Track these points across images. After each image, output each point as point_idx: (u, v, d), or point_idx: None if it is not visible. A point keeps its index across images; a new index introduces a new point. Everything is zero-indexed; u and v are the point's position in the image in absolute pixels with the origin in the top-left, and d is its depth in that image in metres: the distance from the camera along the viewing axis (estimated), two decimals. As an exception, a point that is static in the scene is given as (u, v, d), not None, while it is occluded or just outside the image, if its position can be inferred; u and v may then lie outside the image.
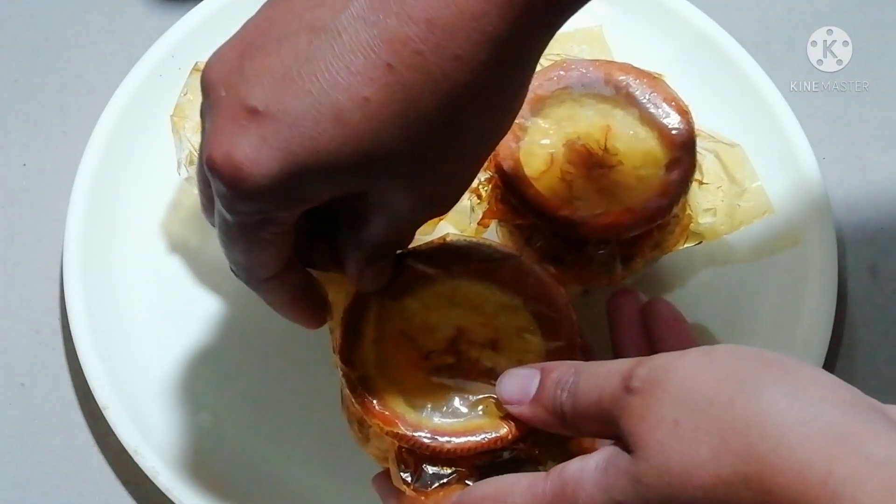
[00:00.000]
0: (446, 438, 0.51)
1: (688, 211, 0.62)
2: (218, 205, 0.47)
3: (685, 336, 0.59)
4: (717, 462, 0.42)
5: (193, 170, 0.61)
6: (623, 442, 0.45)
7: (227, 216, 0.47)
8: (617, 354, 0.59)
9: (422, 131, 0.45)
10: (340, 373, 0.53)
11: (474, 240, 0.57)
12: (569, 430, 0.49)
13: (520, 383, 0.50)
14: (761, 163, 0.64)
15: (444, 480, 0.51)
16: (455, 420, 0.52)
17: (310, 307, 0.54)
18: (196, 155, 0.61)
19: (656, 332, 0.59)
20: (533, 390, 0.50)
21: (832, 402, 0.41)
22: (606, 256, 0.61)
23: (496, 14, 0.44)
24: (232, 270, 0.51)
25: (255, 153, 0.44)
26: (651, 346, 0.59)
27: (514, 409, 0.50)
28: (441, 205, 0.50)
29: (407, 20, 0.43)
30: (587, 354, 0.55)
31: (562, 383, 0.49)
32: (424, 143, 0.45)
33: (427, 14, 0.43)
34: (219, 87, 0.46)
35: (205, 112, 0.47)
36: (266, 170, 0.44)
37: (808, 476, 0.40)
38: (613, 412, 0.45)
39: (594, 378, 0.47)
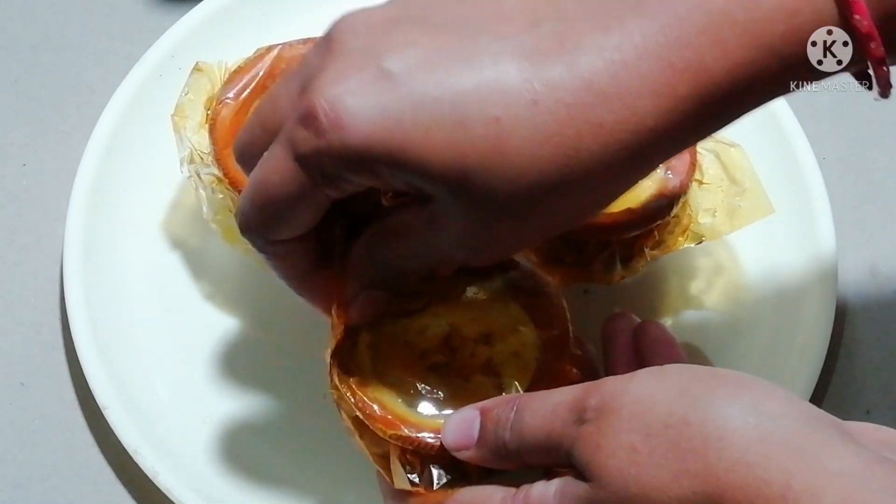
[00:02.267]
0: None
1: (688, 211, 0.62)
2: (278, 146, 0.46)
3: (675, 355, 0.58)
4: (676, 484, 0.41)
5: (194, 169, 0.61)
6: (577, 471, 0.44)
7: (282, 160, 0.45)
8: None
9: (521, 175, 0.43)
10: (337, 379, 0.53)
11: None
12: (515, 466, 0.48)
13: (461, 428, 0.49)
14: (761, 163, 0.64)
15: (450, 478, 0.51)
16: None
17: (322, 284, 0.52)
18: (196, 155, 0.61)
19: (646, 352, 0.58)
20: (475, 433, 0.49)
21: (788, 417, 0.41)
22: (606, 256, 0.61)
23: (654, 107, 0.43)
24: (242, 228, 0.49)
25: (367, 111, 0.43)
26: (641, 367, 0.58)
27: (460, 455, 0.50)
28: (481, 255, 0.49)
29: (569, 71, 0.42)
30: (580, 345, 0.55)
31: (502, 421, 0.48)
32: (519, 186, 0.44)
33: (589, 74, 0.42)
34: (353, 36, 0.45)
35: (315, 54, 0.46)
36: (368, 131, 0.43)
37: (766, 492, 0.40)
38: (565, 444, 0.45)
39: (540, 412, 0.46)
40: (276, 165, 0.46)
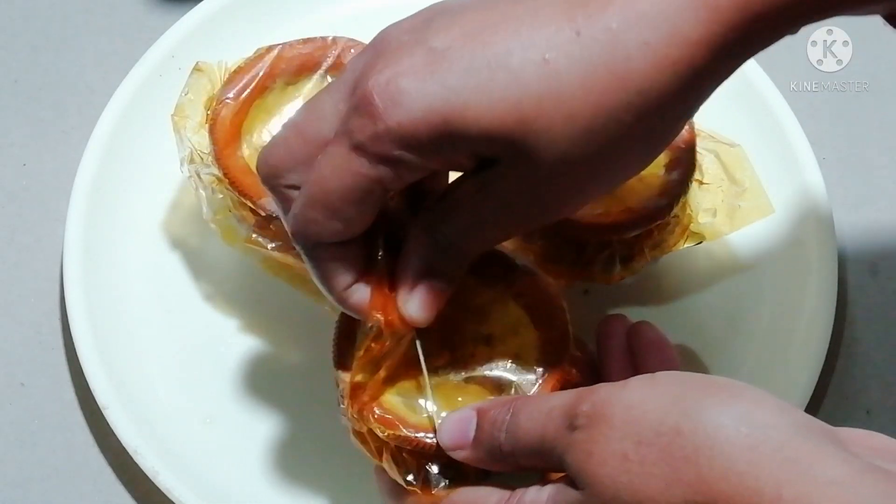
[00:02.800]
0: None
1: (688, 211, 0.62)
2: (332, 146, 0.46)
3: (668, 357, 0.58)
4: (668, 493, 0.41)
5: (194, 169, 0.61)
6: (570, 478, 0.44)
7: (339, 156, 0.45)
8: (603, 378, 0.59)
9: (578, 112, 0.44)
10: (336, 379, 0.53)
11: None
12: (510, 468, 0.48)
13: (458, 427, 0.49)
14: (761, 163, 0.64)
15: (448, 479, 0.51)
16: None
17: (365, 293, 0.50)
18: (196, 155, 0.61)
19: (639, 353, 0.58)
20: (471, 433, 0.49)
21: (780, 426, 0.41)
22: (606, 256, 0.61)
23: (696, 19, 0.43)
24: (296, 233, 0.48)
25: (420, 85, 0.44)
26: (636, 369, 0.58)
27: (456, 455, 0.49)
28: (539, 218, 0.49)
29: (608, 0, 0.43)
30: (580, 346, 0.55)
31: (498, 423, 0.48)
32: (576, 127, 0.44)
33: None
34: (396, 35, 0.46)
35: (360, 59, 0.46)
36: (424, 105, 0.44)
37: (757, 501, 0.40)
38: (557, 449, 0.45)
39: (535, 416, 0.46)
40: (332, 163, 0.46)
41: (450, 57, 0.44)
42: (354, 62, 0.47)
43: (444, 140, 0.44)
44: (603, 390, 0.45)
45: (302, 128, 0.48)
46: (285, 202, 0.48)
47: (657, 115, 0.45)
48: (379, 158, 0.45)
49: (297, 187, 0.48)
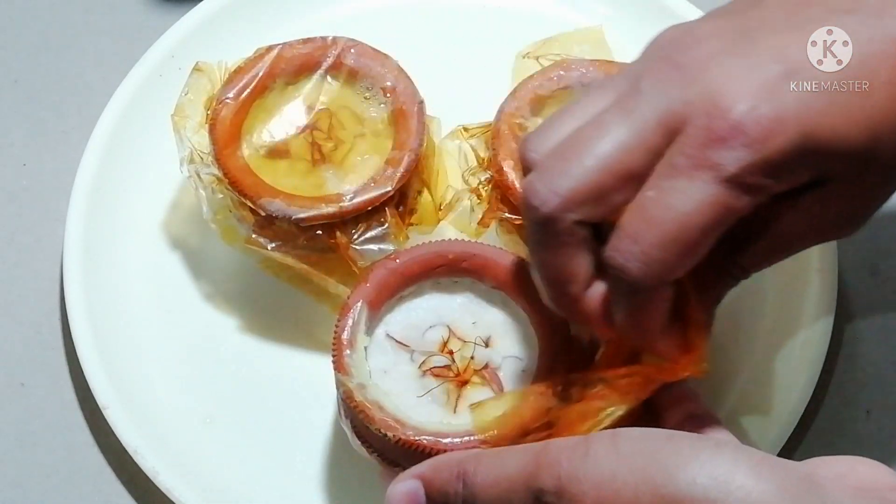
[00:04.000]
0: (449, 440, 0.51)
1: (688, 211, 0.62)
2: (684, 180, 0.44)
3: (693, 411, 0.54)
4: None
5: (194, 169, 0.61)
6: None
7: (701, 191, 0.44)
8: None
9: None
10: (337, 381, 0.53)
11: (449, 241, 0.57)
12: None
13: (405, 500, 0.47)
14: (761, 163, 0.64)
15: None
16: (456, 421, 0.52)
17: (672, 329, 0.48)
18: (196, 155, 0.61)
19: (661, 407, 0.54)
20: None
21: (761, 493, 0.40)
22: (606, 256, 0.61)
23: None
24: (651, 277, 0.46)
25: (785, 109, 0.44)
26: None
27: None
28: (849, 227, 0.49)
29: None
30: (576, 342, 0.55)
31: (451, 497, 0.46)
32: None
33: None
34: (700, 45, 0.45)
35: (667, 83, 0.45)
36: (794, 128, 0.44)
37: None
38: None
39: (493, 493, 0.44)
40: (694, 198, 0.44)
41: (797, 73, 0.44)
42: (654, 87, 0.46)
43: (801, 161, 0.44)
44: (565, 462, 0.43)
45: (608, 163, 0.46)
46: (566, 236, 0.46)
47: None
48: (748, 188, 0.44)
49: (585, 223, 0.46)
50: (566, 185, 0.46)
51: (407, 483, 0.47)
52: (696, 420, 0.49)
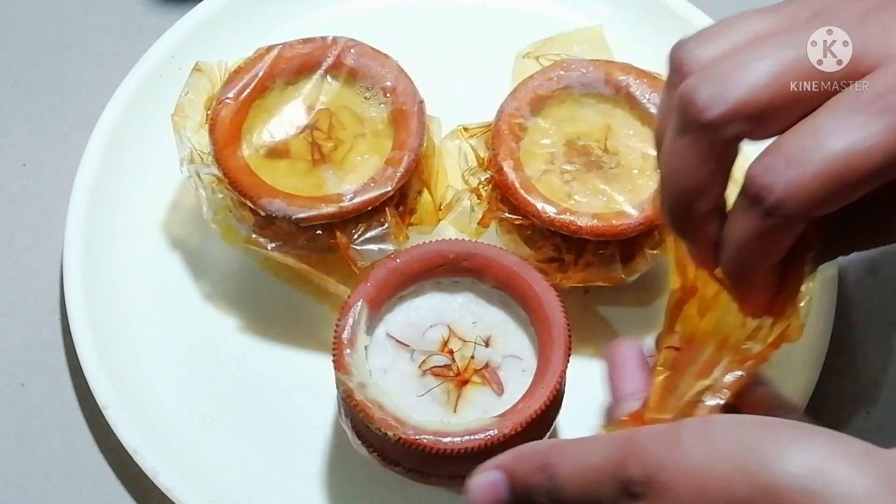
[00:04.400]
0: (449, 439, 0.51)
1: (688, 211, 0.62)
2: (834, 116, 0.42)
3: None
4: None
5: (194, 169, 0.61)
6: None
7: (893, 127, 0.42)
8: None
9: None
10: (337, 380, 0.53)
11: (446, 241, 0.57)
12: None
13: (490, 492, 0.44)
14: (761, 163, 0.64)
15: None
16: (456, 420, 0.53)
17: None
18: (196, 155, 0.61)
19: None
20: (504, 497, 0.44)
21: (860, 486, 0.38)
22: (606, 256, 0.61)
23: None
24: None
25: None
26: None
27: None
28: None
29: None
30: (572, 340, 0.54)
31: (534, 488, 0.43)
32: None
33: None
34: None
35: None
36: None
37: None
38: None
39: (579, 482, 0.42)
40: (868, 137, 0.42)
41: None
42: (848, 24, 0.44)
43: None
44: (653, 450, 0.40)
45: (785, 80, 0.44)
46: (720, 146, 0.45)
47: None
48: None
49: (738, 140, 0.45)
50: (737, 94, 0.43)
51: (489, 474, 0.44)
52: (779, 406, 0.47)
